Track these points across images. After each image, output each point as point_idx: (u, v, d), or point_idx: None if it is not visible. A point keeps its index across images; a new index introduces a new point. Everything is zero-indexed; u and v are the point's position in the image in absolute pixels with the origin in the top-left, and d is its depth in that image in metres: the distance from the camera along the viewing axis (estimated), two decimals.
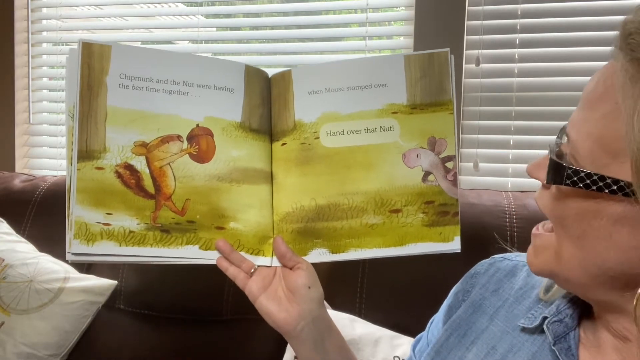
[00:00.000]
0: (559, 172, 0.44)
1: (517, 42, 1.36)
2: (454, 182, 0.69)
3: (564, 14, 1.33)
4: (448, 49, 0.68)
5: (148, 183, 0.65)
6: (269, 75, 0.72)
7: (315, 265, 0.69)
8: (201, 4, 1.60)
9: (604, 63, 0.49)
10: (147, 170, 0.65)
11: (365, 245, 0.68)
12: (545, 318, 0.53)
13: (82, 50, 0.63)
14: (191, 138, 0.66)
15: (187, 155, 0.66)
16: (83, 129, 0.63)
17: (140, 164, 0.64)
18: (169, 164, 0.65)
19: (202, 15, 1.61)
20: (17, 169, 1.72)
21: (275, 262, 0.68)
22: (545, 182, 0.47)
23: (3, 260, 1.19)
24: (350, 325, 1.01)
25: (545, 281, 0.57)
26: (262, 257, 0.69)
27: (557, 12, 1.33)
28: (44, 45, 1.76)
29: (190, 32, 1.66)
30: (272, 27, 1.64)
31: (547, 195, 0.48)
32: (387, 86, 0.68)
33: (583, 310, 0.53)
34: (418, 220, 0.68)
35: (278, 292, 0.67)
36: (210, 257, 0.67)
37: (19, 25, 1.71)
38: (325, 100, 0.69)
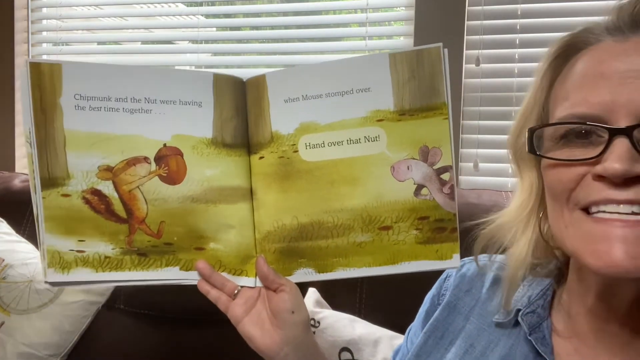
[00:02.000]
0: None
1: (517, 42, 1.36)
2: (452, 195, 0.62)
3: (564, 14, 1.33)
4: (440, 44, 0.60)
5: (119, 207, 0.61)
6: (245, 80, 0.66)
7: None
8: (201, 4, 1.60)
9: None
10: (116, 195, 0.61)
11: (354, 265, 0.63)
12: (519, 310, 0.55)
13: (31, 71, 0.58)
14: (159, 159, 0.62)
15: (157, 177, 0.62)
16: (43, 156, 0.59)
17: (107, 188, 0.61)
18: (138, 187, 0.62)
19: (202, 15, 1.61)
20: (17, 169, 1.72)
21: (260, 283, 0.65)
22: None
23: (3, 260, 1.19)
24: (350, 325, 1.01)
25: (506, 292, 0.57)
26: (245, 278, 0.65)
27: (557, 12, 1.33)
28: (44, 45, 1.76)
29: (190, 32, 1.66)
30: (272, 27, 1.64)
31: None
32: (370, 90, 0.61)
33: (551, 301, 0.55)
34: (411, 237, 0.62)
35: (262, 315, 0.64)
36: (192, 278, 0.64)
37: (19, 25, 1.71)
38: (303, 109, 0.62)
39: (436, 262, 0.63)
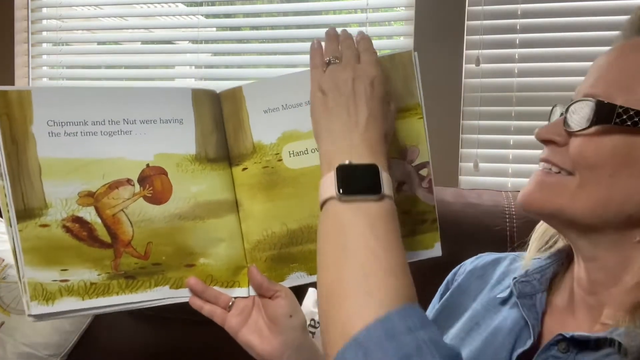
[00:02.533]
0: (606, 114, 0.49)
1: (517, 42, 1.36)
2: (430, 189, 0.65)
3: (564, 14, 1.33)
4: (411, 49, 0.63)
5: (102, 233, 0.59)
6: (217, 92, 0.66)
7: None
8: (201, 4, 1.60)
9: None
10: (99, 220, 0.59)
11: None
12: (515, 279, 0.60)
13: None
14: (143, 180, 0.61)
15: (142, 198, 0.61)
16: (16, 187, 0.56)
17: (89, 214, 0.59)
18: (122, 210, 0.60)
19: (202, 15, 1.61)
20: None
21: (253, 292, 0.65)
22: (579, 129, 0.51)
23: (3, 260, 1.19)
24: None
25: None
26: (238, 289, 0.65)
27: (557, 12, 1.33)
28: (44, 45, 1.76)
29: (190, 32, 1.66)
30: (272, 27, 1.64)
31: (576, 143, 0.52)
32: None
33: (554, 280, 0.60)
34: None
35: (259, 323, 0.64)
36: (183, 295, 0.63)
37: (19, 25, 1.71)
38: (284, 118, 0.63)
39: (420, 252, 0.65)
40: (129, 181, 0.60)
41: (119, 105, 0.60)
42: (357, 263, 0.44)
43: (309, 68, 0.58)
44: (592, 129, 0.50)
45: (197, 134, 0.63)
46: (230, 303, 0.64)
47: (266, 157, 0.64)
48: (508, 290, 0.61)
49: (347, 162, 0.48)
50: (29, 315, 0.58)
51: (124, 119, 0.60)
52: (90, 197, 0.59)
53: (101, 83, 1.73)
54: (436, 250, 0.65)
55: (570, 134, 0.52)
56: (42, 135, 0.57)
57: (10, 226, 0.57)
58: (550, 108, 0.58)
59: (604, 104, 0.49)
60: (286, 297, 0.64)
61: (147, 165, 0.61)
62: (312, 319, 1.01)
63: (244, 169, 0.65)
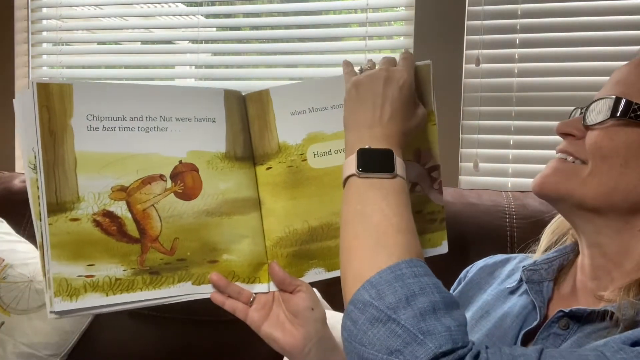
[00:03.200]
0: (623, 109, 0.54)
1: (517, 42, 1.36)
2: (440, 190, 0.70)
3: (564, 14, 1.33)
4: (430, 62, 0.67)
5: (131, 227, 0.60)
6: (242, 94, 0.69)
7: None
8: (201, 4, 1.60)
9: (604, 63, 0.63)
10: (129, 215, 0.60)
11: None
12: (523, 267, 0.65)
13: (38, 92, 0.57)
14: (175, 176, 0.62)
15: (172, 194, 0.62)
16: (50, 180, 0.57)
17: (120, 209, 0.60)
18: (152, 205, 0.61)
19: (202, 15, 1.61)
20: (17, 169, 1.72)
21: (273, 287, 0.67)
22: (596, 123, 0.56)
23: (3, 260, 1.19)
24: None
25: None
26: (258, 285, 0.67)
27: (557, 12, 1.33)
28: (44, 45, 1.76)
29: (190, 32, 1.66)
30: (272, 27, 1.64)
31: (592, 135, 0.57)
32: None
33: (559, 273, 0.64)
34: None
35: (280, 317, 0.66)
36: (204, 291, 0.64)
37: (19, 25, 1.71)
38: (310, 120, 0.67)
39: (429, 249, 0.70)
40: (161, 177, 0.62)
41: (156, 103, 0.62)
42: (372, 223, 0.51)
43: (335, 75, 0.65)
44: (609, 122, 0.55)
45: (228, 133, 0.65)
46: (252, 298, 0.66)
47: (291, 157, 0.67)
48: (517, 281, 0.65)
49: (367, 146, 0.55)
50: (51, 312, 0.57)
51: (160, 116, 0.62)
52: (122, 192, 0.60)
53: None
54: (443, 248, 0.71)
55: (588, 128, 0.57)
56: (81, 128, 0.58)
57: (40, 220, 0.57)
58: (554, 108, 0.67)
59: (622, 100, 0.55)
60: (307, 291, 0.66)
61: (180, 161, 0.63)
62: None
63: (268, 168, 0.67)
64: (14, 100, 0.58)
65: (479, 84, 1.38)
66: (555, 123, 0.59)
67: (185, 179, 0.63)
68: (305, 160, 0.67)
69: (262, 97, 0.67)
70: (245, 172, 0.66)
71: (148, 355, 1.15)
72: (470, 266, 0.78)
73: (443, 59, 1.37)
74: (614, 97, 0.55)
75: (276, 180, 0.67)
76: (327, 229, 0.67)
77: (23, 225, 1.32)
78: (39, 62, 1.75)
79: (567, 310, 0.55)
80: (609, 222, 0.56)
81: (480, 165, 1.39)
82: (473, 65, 1.37)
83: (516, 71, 1.36)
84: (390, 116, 0.57)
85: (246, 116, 0.67)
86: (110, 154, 0.60)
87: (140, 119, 0.61)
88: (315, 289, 1.07)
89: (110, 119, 0.60)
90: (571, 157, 0.58)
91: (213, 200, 0.64)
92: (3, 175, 1.48)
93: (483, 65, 1.37)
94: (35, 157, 0.57)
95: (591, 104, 0.58)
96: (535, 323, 0.58)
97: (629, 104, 0.54)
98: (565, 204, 0.58)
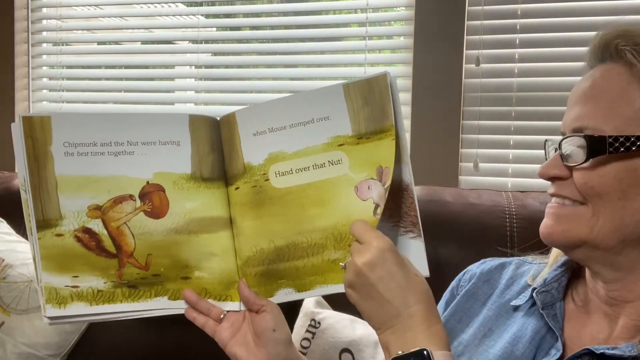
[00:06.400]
0: (599, 146, 0.52)
1: (517, 42, 1.36)
2: (411, 212, 0.64)
3: (564, 14, 1.33)
4: (387, 72, 0.64)
5: (108, 243, 0.66)
6: (218, 119, 0.71)
7: None
8: (201, 4, 1.60)
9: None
10: (105, 232, 0.66)
11: (331, 281, 0.66)
12: (534, 289, 0.62)
13: (23, 124, 0.64)
14: (143, 195, 0.67)
15: (142, 212, 0.67)
16: (37, 200, 0.64)
17: (97, 226, 0.66)
18: (125, 223, 0.67)
19: (202, 15, 1.61)
20: (17, 169, 1.72)
21: (244, 306, 0.69)
22: (578, 164, 0.54)
23: (3, 260, 1.19)
24: (350, 326, 1.01)
25: (532, 270, 0.66)
26: (230, 303, 0.69)
27: (557, 12, 1.33)
28: (44, 45, 1.76)
29: (190, 32, 1.66)
30: (272, 27, 1.64)
31: (579, 176, 0.55)
32: (330, 119, 0.66)
33: (567, 286, 0.62)
34: None
35: (247, 336, 0.67)
36: (180, 307, 0.68)
37: (19, 25, 1.71)
38: (270, 140, 0.68)
39: None
40: (131, 197, 0.67)
41: (123, 128, 0.67)
42: None
43: (290, 94, 0.66)
44: (590, 162, 0.53)
45: (193, 154, 0.69)
46: (222, 316, 0.68)
47: (255, 177, 0.68)
48: (525, 299, 0.63)
49: (400, 353, 0.54)
50: (45, 317, 0.64)
51: (127, 141, 0.67)
52: (97, 210, 0.66)
53: (101, 83, 1.73)
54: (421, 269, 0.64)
55: (571, 169, 0.55)
56: (59, 154, 0.65)
57: (32, 235, 0.64)
58: (544, 140, 0.64)
59: (594, 138, 0.53)
60: (271, 312, 0.67)
61: (147, 182, 0.68)
62: (313, 319, 1.02)
63: (237, 188, 0.69)
64: (12, 124, 0.65)
65: (479, 84, 1.38)
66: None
67: (152, 199, 0.68)
68: (267, 180, 0.68)
69: (230, 120, 0.70)
70: (214, 193, 0.69)
71: (148, 355, 1.15)
72: (462, 273, 0.74)
73: (443, 59, 1.37)
74: (583, 135, 0.53)
75: (243, 200, 0.69)
76: (293, 249, 0.67)
77: (23, 225, 1.31)
78: (39, 62, 1.75)
79: (597, 351, 0.52)
80: (625, 257, 0.54)
81: (480, 165, 1.39)
82: (473, 65, 1.37)
83: (516, 71, 1.37)
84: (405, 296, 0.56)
85: (219, 139, 0.70)
86: (85, 176, 0.66)
87: (109, 144, 0.67)
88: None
89: (83, 145, 0.66)
90: (568, 200, 0.56)
91: (180, 218, 0.68)
92: (3, 175, 1.48)
93: (483, 65, 1.37)
94: (24, 180, 0.65)
95: (562, 140, 0.56)
96: (556, 355, 0.56)
97: (601, 140, 0.52)
98: (580, 251, 0.56)
